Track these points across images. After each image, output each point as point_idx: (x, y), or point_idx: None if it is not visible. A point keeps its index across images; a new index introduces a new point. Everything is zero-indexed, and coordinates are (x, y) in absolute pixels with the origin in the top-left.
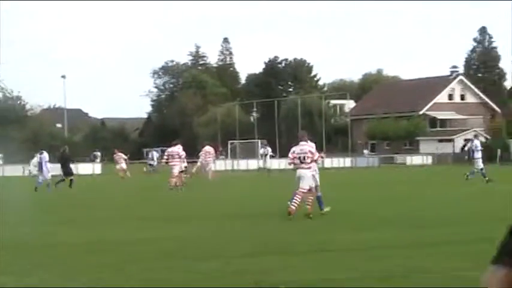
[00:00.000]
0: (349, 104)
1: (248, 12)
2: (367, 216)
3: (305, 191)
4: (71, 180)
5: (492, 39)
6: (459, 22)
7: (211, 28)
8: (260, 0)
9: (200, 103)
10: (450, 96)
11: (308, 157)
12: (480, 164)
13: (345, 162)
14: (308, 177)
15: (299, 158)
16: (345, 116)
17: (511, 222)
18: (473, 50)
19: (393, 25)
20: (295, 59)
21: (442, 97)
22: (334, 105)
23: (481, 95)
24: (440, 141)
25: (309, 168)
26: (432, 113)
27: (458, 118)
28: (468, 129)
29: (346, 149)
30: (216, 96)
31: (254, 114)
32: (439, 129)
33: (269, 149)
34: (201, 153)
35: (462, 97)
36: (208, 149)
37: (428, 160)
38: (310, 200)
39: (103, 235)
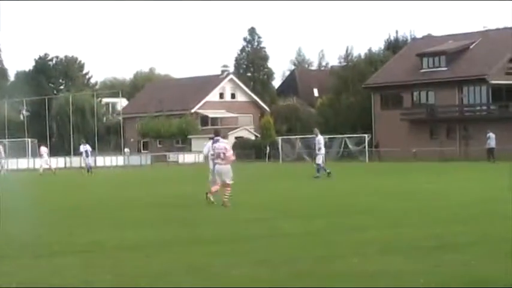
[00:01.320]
0: (122, 102)
1: (18, 7)
2: (136, 215)
3: (229, 183)
4: None
5: (261, 39)
6: (229, 22)
7: None
8: None
9: None
10: (221, 95)
11: (224, 153)
12: (320, 160)
13: (117, 160)
14: (228, 172)
15: (218, 154)
16: (117, 114)
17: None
18: (242, 50)
19: (165, 23)
20: (66, 57)
21: (213, 96)
22: (107, 104)
23: (251, 93)
24: (211, 138)
25: (226, 164)
26: (204, 112)
27: (229, 116)
28: (238, 127)
29: (119, 148)
30: None
31: (24, 112)
32: (210, 127)
33: (88, 146)
34: None
35: (233, 96)
36: None
37: (200, 158)
38: (227, 193)
39: None
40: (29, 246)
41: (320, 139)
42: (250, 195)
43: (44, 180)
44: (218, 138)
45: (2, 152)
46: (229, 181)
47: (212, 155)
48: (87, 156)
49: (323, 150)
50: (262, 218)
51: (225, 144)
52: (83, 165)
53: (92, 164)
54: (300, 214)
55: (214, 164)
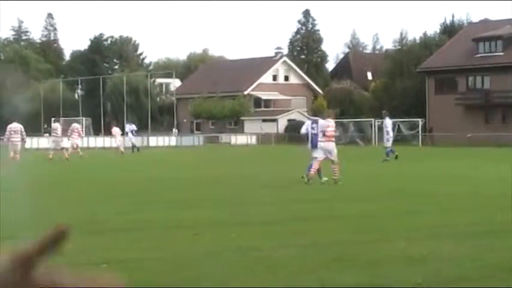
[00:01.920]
0: (175, 83)
1: None
2: (188, 195)
3: (335, 161)
4: None
5: (315, 22)
6: (284, 4)
7: (35, 3)
8: None
9: (22, 79)
10: (274, 77)
11: (326, 130)
12: (389, 143)
13: (170, 141)
14: (333, 149)
15: (323, 132)
16: (170, 94)
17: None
18: (297, 32)
19: (219, 4)
20: (121, 37)
21: (266, 78)
22: (160, 84)
23: (304, 76)
24: (264, 121)
25: (329, 141)
26: (257, 93)
27: (282, 99)
28: (291, 110)
29: (171, 128)
30: (39, 72)
31: (79, 91)
32: (263, 109)
33: (133, 126)
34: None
35: (286, 78)
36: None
37: (253, 140)
38: (336, 171)
39: None
40: (83, 223)
41: (388, 122)
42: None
43: (113, 160)
44: (317, 118)
45: (59, 131)
46: (334, 158)
47: (314, 134)
48: (133, 135)
49: (391, 134)
50: (317, 199)
51: (328, 122)
52: (126, 145)
53: (138, 144)
54: (355, 197)
55: (316, 142)
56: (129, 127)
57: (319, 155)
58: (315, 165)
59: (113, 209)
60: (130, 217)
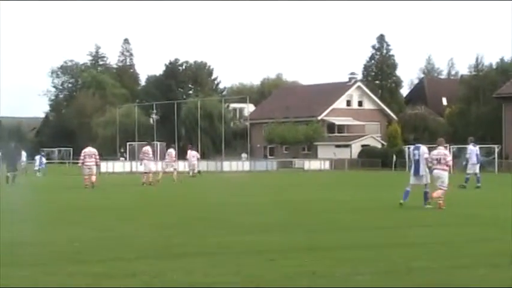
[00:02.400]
0: (249, 108)
1: (149, 13)
2: (263, 219)
3: (445, 188)
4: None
5: (390, 47)
6: (358, 29)
7: (112, 28)
8: (161, 1)
9: (99, 104)
10: (348, 102)
11: (444, 159)
12: (473, 169)
13: (243, 165)
14: (446, 177)
15: (438, 159)
16: (244, 119)
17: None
18: (371, 57)
19: (293, 30)
20: (195, 62)
21: (340, 103)
22: (234, 109)
23: (378, 101)
24: (338, 146)
25: (444, 170)
26: (330, 119)
27: (355, 124)
28: (365, 135)
29: (245, 153)
30: (115, 97)
31: (154, 116)
32: (336, 134)
33: (194, 152)
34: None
35: (360, 103)
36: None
37: (326, 165)
38: (441, 196)
39: None
40: (163, 247)
41: (471, 149)
42: (378, 203)
43: (188, 183)
44: (419, 145)
45: (173, 156)
46: (444, 187)
47: (416, 160)
48: (194, 160)
49: (473, 160)
50: (388, 226)
51: (445, 151)
52: (187, 168)
53: (199, 168)
54: (427, 223)
55: (418, 168)
56: (190, 152)
57: (420, 181)
58: (439, 192)
59: (189, 233)
60: (208, 241)
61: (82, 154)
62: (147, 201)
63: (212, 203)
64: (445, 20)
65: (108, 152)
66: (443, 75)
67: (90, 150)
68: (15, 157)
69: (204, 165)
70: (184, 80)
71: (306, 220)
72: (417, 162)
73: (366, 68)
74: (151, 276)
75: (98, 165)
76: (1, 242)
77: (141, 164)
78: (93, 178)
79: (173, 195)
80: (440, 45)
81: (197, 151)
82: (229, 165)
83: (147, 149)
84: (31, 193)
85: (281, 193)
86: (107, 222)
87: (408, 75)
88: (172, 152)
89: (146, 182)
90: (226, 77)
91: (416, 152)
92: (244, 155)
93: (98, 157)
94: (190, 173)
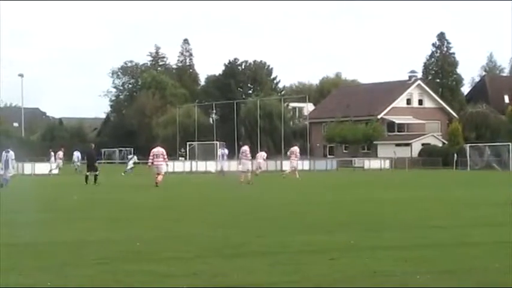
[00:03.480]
0: (308, 107)
1: (208, 13)
2: (324, 219)
3: None
4: (95, 175)
5: (450, 45)
6: (418, 27)
7: (172, 29)
8: (221, 0)
9: (159, 104)
10: (408, 101)
11: None
12: None
13: (303, 165)
14: None
15: None
16: (303, 119)
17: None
18: (431, 55)
19: (352, 28)
20: (255, 61)
21: (400, 101)
22: (293, 108)
23: (439, 100)
24: (398, 145)
25: None
26: (390, 117)
27: (416, 123)
28: (426, 134)
29: (305, 152)
30: (175, 97)
31: (213, 115)
32: (396, 133)
33: (226, 151)
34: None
35: (420, 102)
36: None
37: (386, 164)
38: None
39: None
40: (222, 246)
41: None
42: (440, 203)
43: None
44: None
45: (248, 154)
46: None
47: None
48: (223, 159)
49: None
50: (450, 225)
51: None
52: (218, 168)
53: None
54: (489, 222)
55: None
56: (221, 151)
57: None
58: None
59: (250, 232)
60: (268, 240)
61: (151, 154)
62: (209, 200)
63: (270, 203)
64: (507, 15)
65: (168, 152)
66: (505, 73)
67: (158, 150)
68: (95, 158)
69: (263, 165)
70: (244, 79)
71: (365, 219)
72: None
73: (426, 66)
74: (211, 276)
75: (167, 165)
76: (66, 241)
77: (239, 164)
78: (160, 178)
79: (247, 196)
80: (502, 42)
81: (265, 151)
82: (289, 165)
83: (246, 148)
84: (107, 192)
85: (341, 192)
86: (168, 221)
87: (469, 73)
88: (247, 149)
89: (244, 182)
90: (285, 77)
91: None
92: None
93: (166, 157)
94: (257, 172)
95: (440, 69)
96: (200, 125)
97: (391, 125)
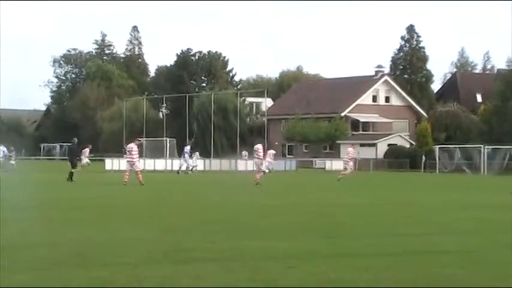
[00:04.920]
0: (267, 103)
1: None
2: (282, 224)
3: None
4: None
5: (420, 39)
6: (386, 19)
7: (120, 15)
8: None
9: (105, 95)
10: (374, 98)
11: None
12: None
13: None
14: None
15: None
16: (261, 115)
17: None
18: (400, 49)
19: (314, 19)
20: (209, 52)
21: (365, 98)
22: (251, 103)
23: (407, 97)
24: (362, 145)
25: None
26: (354, 115)
27: (382, 121)
28: (392, 134)
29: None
30: (122, 88)
31: (163, 110)
32: (361, 132)
33: (188, 147)
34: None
35: (387, 99)
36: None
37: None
38: None
39: None
40: (170, 252)
41: None
42: (404, 208)
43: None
44: None
45: (261, 152)
46: None
47: None
48: (189, 156)
49: None
50: (416, 232)
51: None
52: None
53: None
54: (459, 230)
55: None
56: (186, 148)
57: None
58: None
59: (200, 237)
60: (222, 246)
61: (134, 150)
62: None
63: (222, 205)
64: (480, 9)
65: (113, 148)
66: (478, 70)
67: (130, 146)
68: (75, 154)
69: (217, 164)
70: (197, 71)
71: (322, 224)
72: None
73: (394, 60)
74: (158, 282)
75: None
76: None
77: (254, 164)
78: (127, 176)
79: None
80: (474, 37)
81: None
82: (245, 165)
83: (258, 146)
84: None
85: (301, 195)
86: (118, 223)
87: (440, 70)
88: (259, 147)
89: (258, 181)
90: (242, 69)
91: None
92: (245, 153)
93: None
94: (267, 171)
95: (409, 64)
96: (149, 120)
97: (355, 124)
